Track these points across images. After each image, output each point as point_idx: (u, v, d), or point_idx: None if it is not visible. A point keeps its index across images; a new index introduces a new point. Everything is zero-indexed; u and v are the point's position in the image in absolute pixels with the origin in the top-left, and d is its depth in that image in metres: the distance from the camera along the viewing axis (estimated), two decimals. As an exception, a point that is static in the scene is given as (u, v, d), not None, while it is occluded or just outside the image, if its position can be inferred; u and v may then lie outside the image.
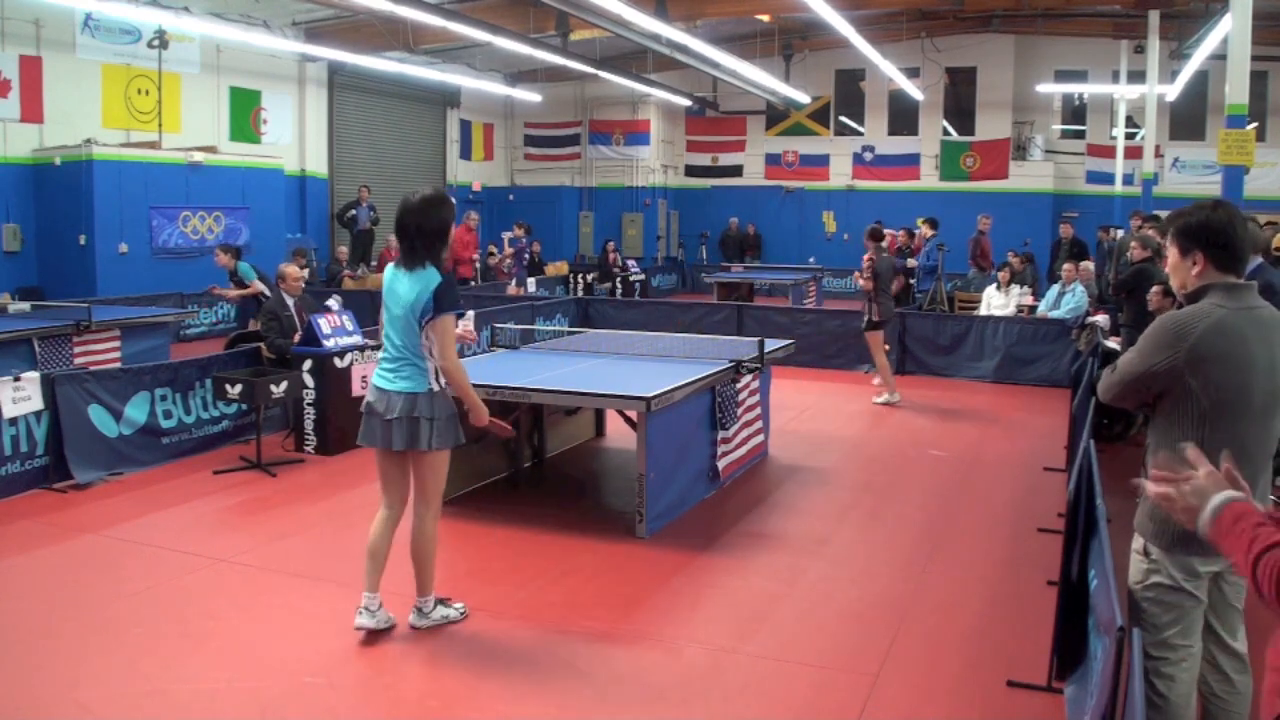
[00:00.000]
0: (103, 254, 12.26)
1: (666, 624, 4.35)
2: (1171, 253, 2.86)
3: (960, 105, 20.62)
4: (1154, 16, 15.78)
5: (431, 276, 3.92)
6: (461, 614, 4.31)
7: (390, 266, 4.10)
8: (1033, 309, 11.63)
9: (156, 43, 13.61)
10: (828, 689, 3.79)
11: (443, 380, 4.04)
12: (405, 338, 3.98)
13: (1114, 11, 17.01)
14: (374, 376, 4.11)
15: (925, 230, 13.35)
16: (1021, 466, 7.17)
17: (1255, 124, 16.14)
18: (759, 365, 6.69)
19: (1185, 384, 2.69)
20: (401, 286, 3.97)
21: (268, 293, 9.53)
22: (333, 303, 7.77)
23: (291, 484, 6.48)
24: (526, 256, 16.09)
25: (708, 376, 6.05)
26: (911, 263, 13.46)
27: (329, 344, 7.19)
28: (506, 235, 16.70)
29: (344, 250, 15.85)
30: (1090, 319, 9.29)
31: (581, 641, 4.15)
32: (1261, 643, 1.91)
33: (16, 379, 6.07)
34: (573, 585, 4.77)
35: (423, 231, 3.95)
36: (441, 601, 4.32)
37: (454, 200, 4.15)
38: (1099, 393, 3.00)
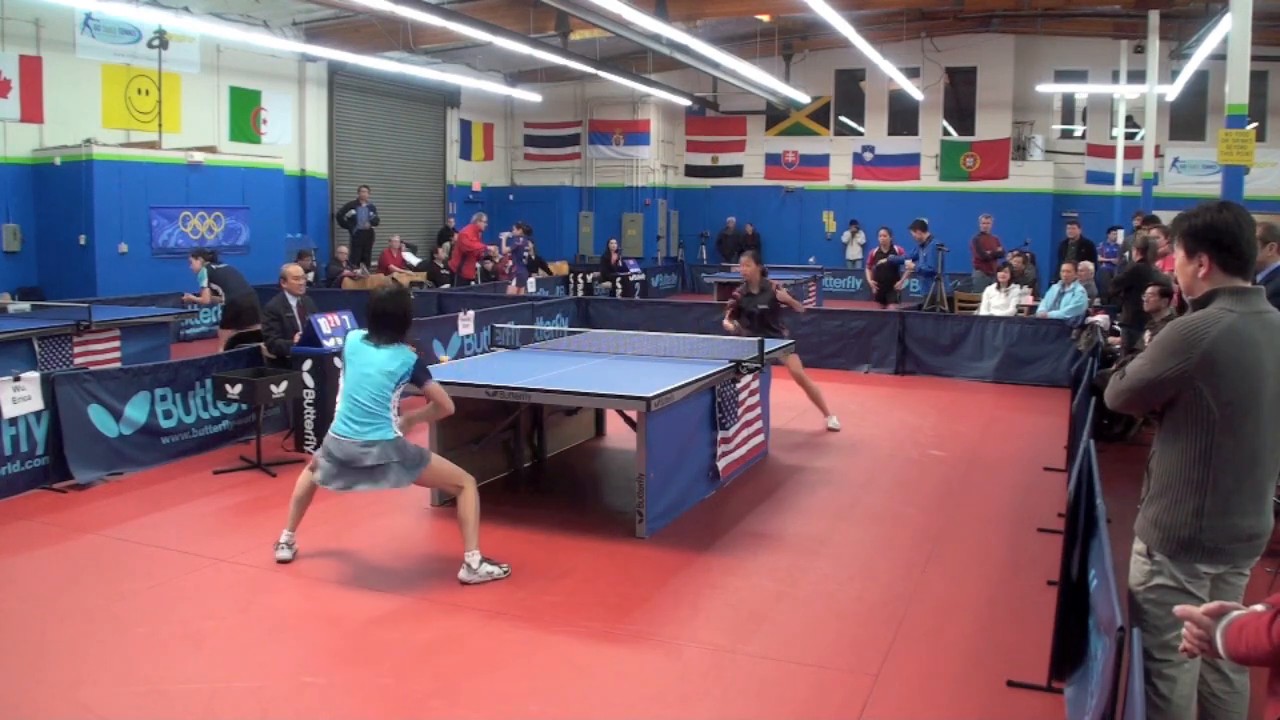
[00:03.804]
0: (103, 254, 12.25)
1: (666, 624, 4.35)
2: (1178, 254, 2.82)
3: (960, 105, 20.61)
4: (1154, 16, 15.77)
5: (407, 354, 4.78)
6: (505, 572, 4.81)
7: (357, 337, 4.86)
8: (1032, 309, 11.63)
9: (156, 43, 13.60)
10: (828, 689, 3.79)
11: (400, 429, 4.82)
12: (377, 398, 4.71)
13: (1114, 11, 17.00)
14: (339, 426, 4.75)
15: (917, 235, 13.22)
16: (1021, 466, 7.17)
17: (1255, 124, 16.13)
18: (759, 365, 6.69)
19: (1195, 390, 2.65)
20: (376, 356, 4.75)
21: (204, 300, 9.58)
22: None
23: (291, 484, 6.41)
24: (526, 256, 16.11)
25: (708, 376, 6.05)
26: (910, 265, 13.43)
27: (329, 344, 7.18)
28: (505, 235, 16.72)
29: (344, 250, 15.86)
30: (1090, 319, 9.31)
31: (581, 641, 4.16)
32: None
33: (16, 379, 6.07)
34: (573, 585, 4.77)
35: (393, 316, 4.80)
36: (487, 560, 4.83)
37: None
38: (1106, 399, 2.97)
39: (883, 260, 13.29)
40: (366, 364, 4.75)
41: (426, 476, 4.89)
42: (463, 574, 4.75)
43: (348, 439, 4.70)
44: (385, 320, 4.81)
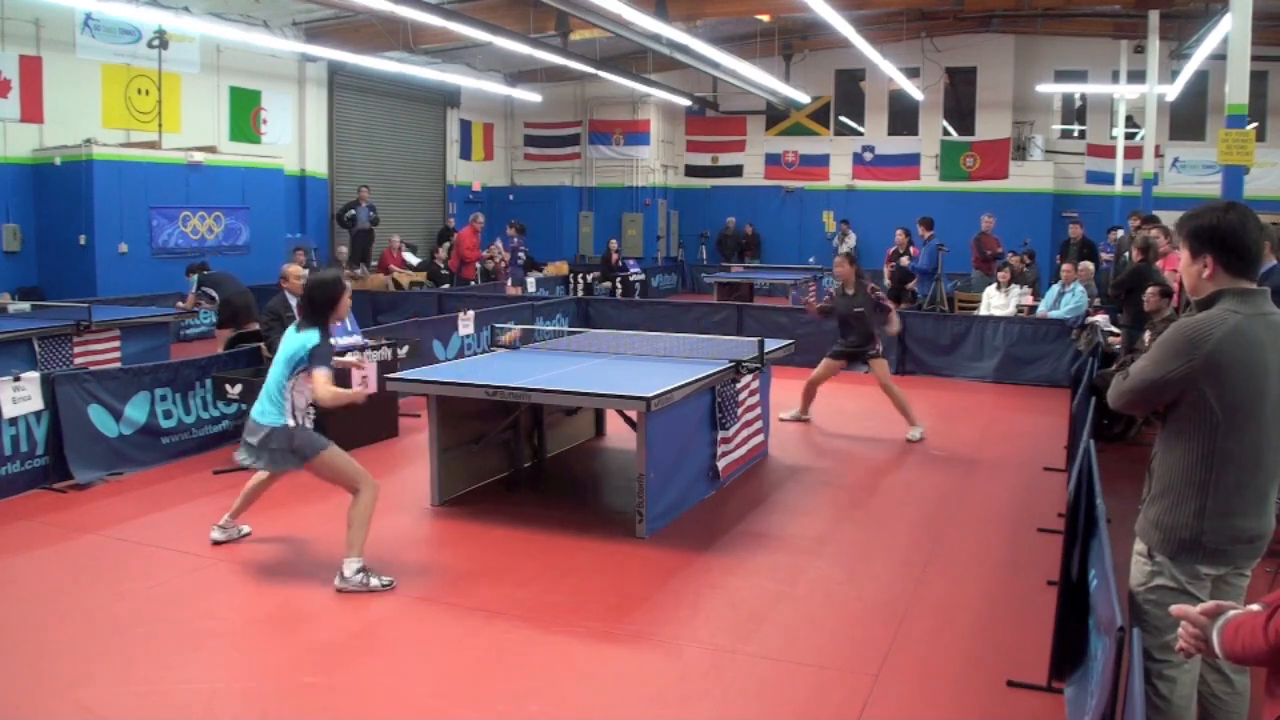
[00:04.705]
0: (103, 254, 12.25)
1: (666, 624, 4.35)
2: (1183, 255, 2.80)
3: (960, 105, 20.61)
4: (1154, 16, 15.77)
5: (311, 337, 4.75)
6: (385, 585, 4.63)
7: (292, 326, 4.90)
8: (1032, 309, 11.63)
9: (156, 43, 13.60)
10: (828, 689, 3.79)
11: (298, 417, 4.81)
12: (276, 382, 4.78)
13: (1114, 11, 17.00)
14: (254, 409, 4.85)
15: (922, 231, 13.32)
16: (1021, 466, 7.17)
17: (1255, 124, 16.12)
18: (759, 365, 6.69)
19: (1200, 392, 2.64)
20: (288, 342, 4.83)
21: (202, 305, 9.68)
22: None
23: (291, 484, 6.44)
24: (521, 256, 16.14)
25: (708, 376, 6.05)
26: (905, 260, 13.45)
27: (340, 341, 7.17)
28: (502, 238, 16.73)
29: (344, 250, 15.85)
30: (1090, 319, 9.31)
31: (581, 641, 4.16)
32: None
33: (16, 379, 6.07)
34: (573, 585, 4.77)
35: (315, 301, 4.83)
36: (367, 570, 4.65)
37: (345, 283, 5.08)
38: (1109, 400, 2.96)
39: (898, 261, 13.42)
40: (281, 350, 4.86)
41: (318, 468, 4.78)
42: (337, 582, 4.60)
43: (251, 416, 4.85)
44: (304, 303, 4.90)
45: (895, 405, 8.10)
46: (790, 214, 21.71)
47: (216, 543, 5.16)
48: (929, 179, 20.55)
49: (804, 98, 19.24)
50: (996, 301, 11.82)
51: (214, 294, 9.34)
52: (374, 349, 7.74)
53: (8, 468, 6.02)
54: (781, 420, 8.18)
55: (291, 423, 4.77)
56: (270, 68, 15.80)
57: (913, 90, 18.78)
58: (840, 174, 21.39)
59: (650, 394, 5.26)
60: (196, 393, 7.23)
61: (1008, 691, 3.73)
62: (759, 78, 15.89)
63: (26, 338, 8.18)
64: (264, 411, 4.79)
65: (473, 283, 15.75)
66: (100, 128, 13.02)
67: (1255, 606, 1.94)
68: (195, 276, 9.74)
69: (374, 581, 4.61)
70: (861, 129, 21.40)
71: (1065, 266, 11.49)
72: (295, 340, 4.80)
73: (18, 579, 4.80)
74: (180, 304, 10.28)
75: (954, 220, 16.32)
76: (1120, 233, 13.26)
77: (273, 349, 7.45)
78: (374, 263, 16.56)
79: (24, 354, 8.07)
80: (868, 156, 21.17)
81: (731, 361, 6.43)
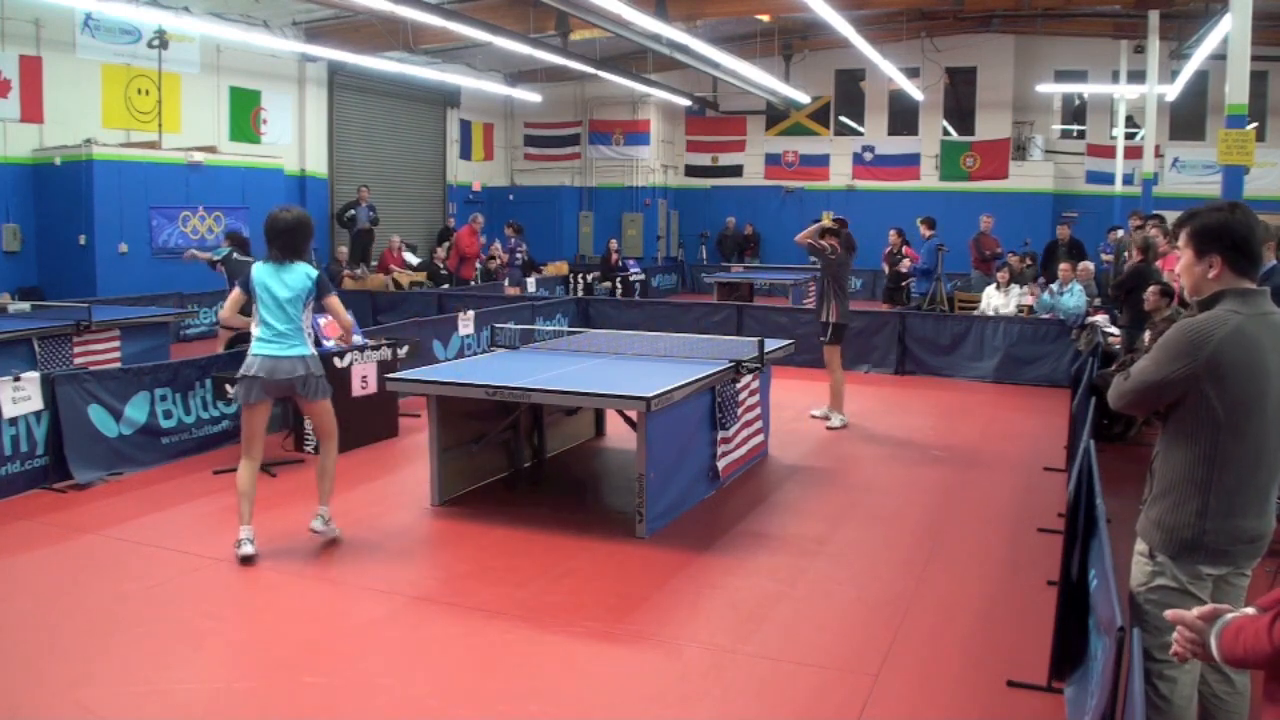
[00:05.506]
0: (103, 254, 12.26)
1: (666, 624, 4.35)
2: (1186, 254, 2.76)
3: (960, 105, 20.61)
4: (1154, 16, 15.78)
5: (308, 269, 5.11)
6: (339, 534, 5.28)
7: (261, 265, 5.11)
8: (1032, 309, 11.62)
9: (156, 43, 13.60)
10: (828, 689, 3.79)
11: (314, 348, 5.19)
12: (291, 318, 5.04)
13: (1114, 11, 17.01)
14: (260, 348, 5.02)
15: (924, 230, 13.34)
16: (1021, 466, 7.17)
17: (1255, 124, 16.13)
18: (759, 365, 6.69)
19: (1201, 393, 2.63)
20: (286, 277, 5.04)
21: (200, 257, 9.91)
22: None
23: (291, 484, 6.48)
24: (519, 257, 16.12)
25: (708, 376, 6.05)
26: (905, 264, 13.47)
27: (329, 344, 7.18)
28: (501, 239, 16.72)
29: (344, 250, 15.85)
30: (1090, 319, 9.31)
31: (581, 641, 4.16)
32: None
33: (16, 379, 6.07)
34: (573, 585, 4.77)
35: (294, 237, 5.09)
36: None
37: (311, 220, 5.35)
38: (1110, 401, 2.95)
39: (895, 263, 13.47)
40: (280, 287, 5.02)
41: (320, 406, 5.18)
42: (317, 525, 5.15)
43: (276, 356, 5.00)
44: (286, 239, 5.08)
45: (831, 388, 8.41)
46: (790, 214, 21.70)
47: (249, 558, 4.94)
48: (929, 179, 20.56)
49: (804, 98, 19.25)
50: (996, 301, 11.82)
51: (225, 276, 9.28)
52: (374, 349, 7.74)
53: (8, 468, 6.02)
54: (830, 429, 8.27)
55: (315, 351, 5.15)
56: (270, 68, 15.80)
57: (913, 90, 18.78)
58: (840, 174, 21.40)
59: (650, 394, 5.26)
60: (196, 393, 7.23)
61: (1008, 691, 3.72)
62: (759, 78, 15.89)
63: (26, 338, 8.17)
64: (290, 345, 5.02)
65: (472, 283, 15.75)
66: (100, 128, 13.03)
67: (1249, 610, 1.94)
68: (227, 248, 9.62)
69: (338, 530, 5.25)
70: (861, 129, 21.41)
71: (1063, 266, 11.48)
72: (291, 275, 5.05)
73: (17, 579, 4.80)
74: (194, 252, 10.55)
75: (954, 220, 16.33)
76: (1120, 233, 13.27)
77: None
78: (374, 263, 16.56)
79: (24, 354, 8.07)
80: (868, 156, 21.18)
81: (731, 361, 6.43)
